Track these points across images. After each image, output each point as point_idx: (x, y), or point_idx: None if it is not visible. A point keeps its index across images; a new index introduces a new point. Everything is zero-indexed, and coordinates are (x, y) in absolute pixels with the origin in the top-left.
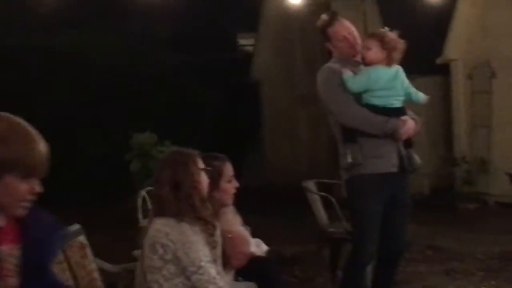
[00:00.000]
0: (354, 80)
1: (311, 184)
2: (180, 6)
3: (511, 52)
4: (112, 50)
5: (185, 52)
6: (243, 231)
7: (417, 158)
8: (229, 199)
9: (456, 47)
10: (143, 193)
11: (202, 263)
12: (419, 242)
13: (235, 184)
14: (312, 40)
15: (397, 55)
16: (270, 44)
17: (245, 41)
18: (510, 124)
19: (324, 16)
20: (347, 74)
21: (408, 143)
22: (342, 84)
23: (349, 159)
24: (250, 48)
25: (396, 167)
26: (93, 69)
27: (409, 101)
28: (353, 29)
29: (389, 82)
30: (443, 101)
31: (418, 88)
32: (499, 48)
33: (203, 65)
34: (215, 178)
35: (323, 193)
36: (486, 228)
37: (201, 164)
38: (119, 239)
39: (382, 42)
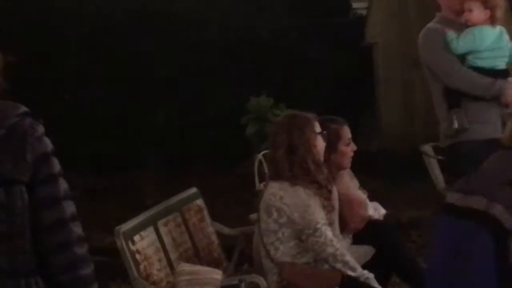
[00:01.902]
0: (458, 41)
1: (428, 148)
2: None
3: None
4: (227, 13)
5: (298, 16)
6: (361, 195)
7: None
8: (347, 162)
9: None
10: (259, 156)
11: (319, 225)
12: None
13: (353, 147)
14: (427, 2)
15: (500, 13)
16: (384, 7)
17: (358, 4)
18: None
19: None
20: (451, 35)
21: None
22: (446, 45)
23: (456, 125)
24: (363, 12)
25: (501, 132)
26: (209, 32)
27: None
28: None
29: (494, 42)
30: None
31: None
32: None
33: (317, 29)
34: (333, 141)
35: (440, 157)
36: None
37: (317, 128)
38: (236, 202)
39: (484, 2)
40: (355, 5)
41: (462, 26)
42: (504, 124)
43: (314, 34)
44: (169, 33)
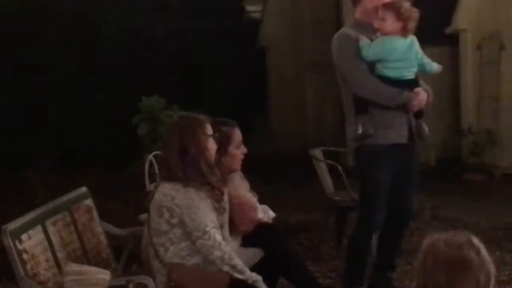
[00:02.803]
0: (369, 48)
1: (318, 152)
2: None
3: None
4: (123, 14)
5: (193, 18)
6: (251, 197)
7: (426, 128)
8: (237, 164)
9: (466, 17)
10: (150, 157)
11: (208, 228)
12: (425, 212)
13: (243, 150)
14: (321, 7)
15: (412, 25)
16: (278, 11)
17: (253, 8)
18: None
19: None
20: (364, 41)
21: (418, 113)
22: (358, 52)
23: (360, 130)
24: (257, 15)
25: (406, 138)
26: (102, 32)
27: (422, 71)
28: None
29: (404, 53)
30: (452, 71)
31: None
32: (509, 19)
33: (211, 31)
34: (224, 143)
35: (329, 161)
36: (492, 199)
37: (209, 130)
38: (126, 203)
39: (398, 13)
40: (249, 8)
41: (376, 31)
42: (410, 129)
43: (207, 37)
44: (65, 31)
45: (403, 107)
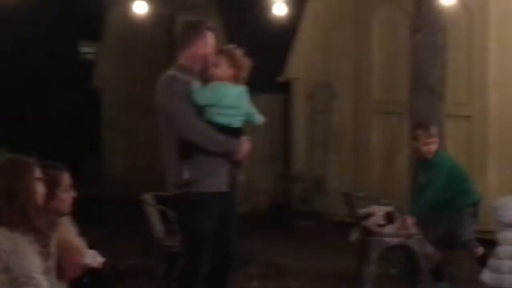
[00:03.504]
0: (201, 93)
1: (148, 197)
2: (21, 13)
3: (351, 74)
4: None
5: (26, 59)
6: (79, 242)
7: (242, 177)
8: (66, 208)
9: (297, 66)
10: None
11: (33, 274)
12: (256, 258)
13: (72, 193)
14: (157, 51)
15: (244, 73)
16: (113, 53)
17: (88, 49)
18: (347, 145)
19: (198, 21)
20: (195, 85)
21: (237, 163)
22: (187, 96)
23: (186, 176)
24: (92, 57)
25: (228, 186)
26: None
27: (248, 121)
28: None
29: (235, 101)
30: (284, 119)
31: (260, 105)
32: (339, 69)
33: (43, 73)
34: (52, 187)
35: (160, 206)
36: (321, 246)
37: (37, 173)
38: None
39: (231, 60)
40: (84, 49)
41: (198, 75)
42: (233, 178)
43: (40, 78)
44: None
45: (229, 155)
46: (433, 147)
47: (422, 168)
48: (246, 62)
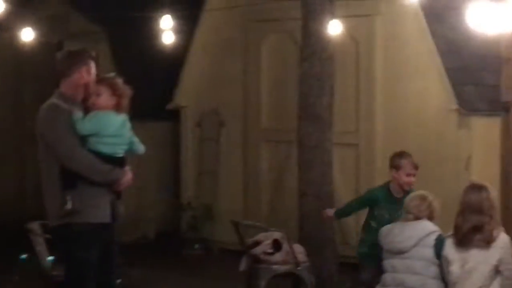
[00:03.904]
0: (84, 122)
1: (35, 225)
2: None
3: (240, 101)
4: None
5: None
6: None
7: (122, 208)
8: None
9: (186, 94)
10: None
11: None
12: (143, 287)
13: None
14: (44, 79)
15: (126, 102)
16: None
17: None
18: (236, 173)
19: (80, 50)
20: (77, 115)
21: (119, 193)
22: (70, 125)
23: (69, 206)
24: None
25: (109, 217)
26: None
27: (130, 150)
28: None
29: (118, 129)
30: (173, 146)
31: (149, 133)
32: (228, 97)
33: None
34: None
35: (47, 235)
36: (210, 274)
37: None
38: None
39: (113, 88)
40: None
41: (80, 104)
42: (114, 209)
43: None
44: None
45: (112, 185)
46: (413, 180)
47: (394, 203)
48: (127, 91)
